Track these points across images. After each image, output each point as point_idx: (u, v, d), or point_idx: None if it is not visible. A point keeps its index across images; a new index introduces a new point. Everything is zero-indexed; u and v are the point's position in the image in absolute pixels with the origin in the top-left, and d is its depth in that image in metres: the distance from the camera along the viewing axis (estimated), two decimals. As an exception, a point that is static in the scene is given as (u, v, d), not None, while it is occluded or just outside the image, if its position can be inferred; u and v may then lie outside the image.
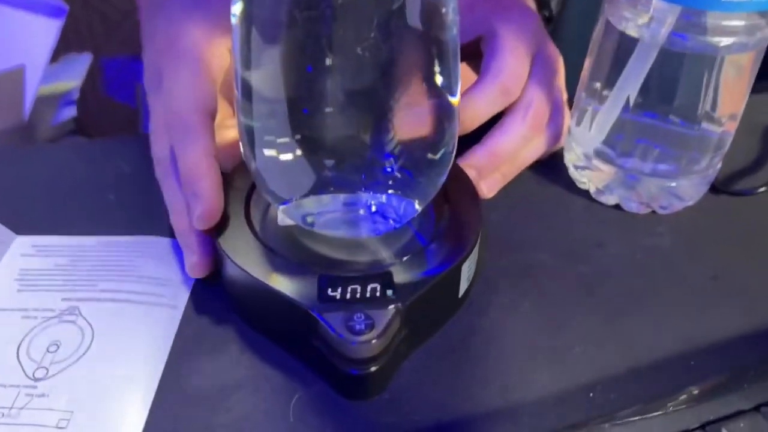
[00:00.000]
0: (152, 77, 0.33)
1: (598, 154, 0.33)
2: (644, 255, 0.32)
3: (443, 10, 0.23)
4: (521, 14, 0.35)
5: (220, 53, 0.31)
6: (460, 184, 0.30)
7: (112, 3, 1.16)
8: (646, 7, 0.29)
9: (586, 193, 0.35)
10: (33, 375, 0.25)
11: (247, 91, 0.24)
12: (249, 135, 0.25)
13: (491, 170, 0.33)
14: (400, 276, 0.26)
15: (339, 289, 0.25)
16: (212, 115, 0.30)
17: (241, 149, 0.26)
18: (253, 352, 0.27)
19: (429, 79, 0.24)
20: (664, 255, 0.32)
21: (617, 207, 0.34)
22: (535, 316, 0.29)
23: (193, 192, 0.27)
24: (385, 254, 0.27)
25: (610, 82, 0.31)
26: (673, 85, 0.30)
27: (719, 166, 0.34)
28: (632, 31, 0.30)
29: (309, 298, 0.25)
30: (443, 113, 0.25)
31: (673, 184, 0.33)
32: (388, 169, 0.25)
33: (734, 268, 0.31)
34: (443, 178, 0.27)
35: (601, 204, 0.35)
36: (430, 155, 0.25)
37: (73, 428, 0.23)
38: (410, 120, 0.24)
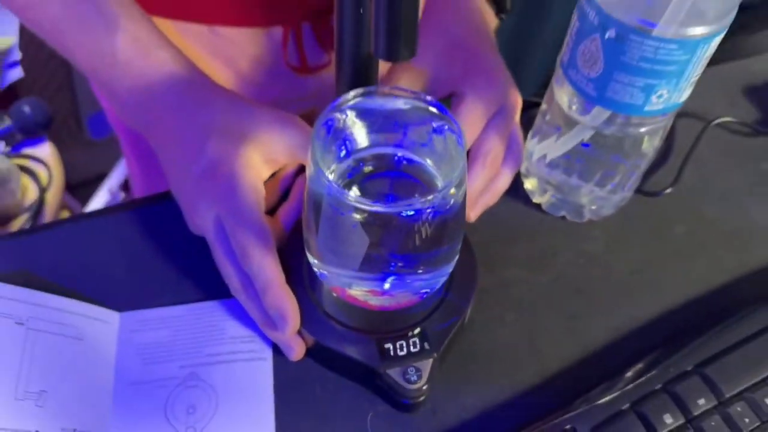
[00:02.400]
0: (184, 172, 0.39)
1: (548, 176, 0.44)
2: (585, 259, 0.44)
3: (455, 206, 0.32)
4: (487, 79, 0.43)
5: (254, 164, 0.39)
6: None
7: None
8: (586, 107, 0.38)
9: (538, 207, 0.46)
10: (189, 435, 0.36)
11: (318, 235, 0.33)
12: (315, 252, 0.34)
13: (473, 205, 0.43)
14: (431, 329, 0.37)
15: (392, 349, 0.36)
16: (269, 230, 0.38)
17: (309, 256, 0.36)
18: (334, 385, 0.38)
19: (451, 227, 0.33)
20: (599, 256, 0.44)
21: (563, 218, 0.46)
22: (516, 326, 0.41)
23: (279, 315, 0.36)
24: (418, 317, 0.38)
25: (559, 134, 0.41)
26: (608, 141, 0.41)
27: (639, 180, 0.46)
28: (575, 116, 0.39)
29: (373, 359, 0.36)
30: (459, 235, 0.35)
31: (604, 196, 0.45)
32: (421, 268, 0.35)
33: (655, 260, 0.44)
34: (456, 258, 0.37)
35: (552, 216, 0.46)
36: (450, 260, 0.35)
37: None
38: (439, 248, 0.34)
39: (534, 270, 0.43)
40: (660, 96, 0.35)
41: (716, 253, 0.45)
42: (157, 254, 0.43)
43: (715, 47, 0.34)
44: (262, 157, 0.39)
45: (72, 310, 0.39)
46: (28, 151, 0.85)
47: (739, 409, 0.37)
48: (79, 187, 1.16)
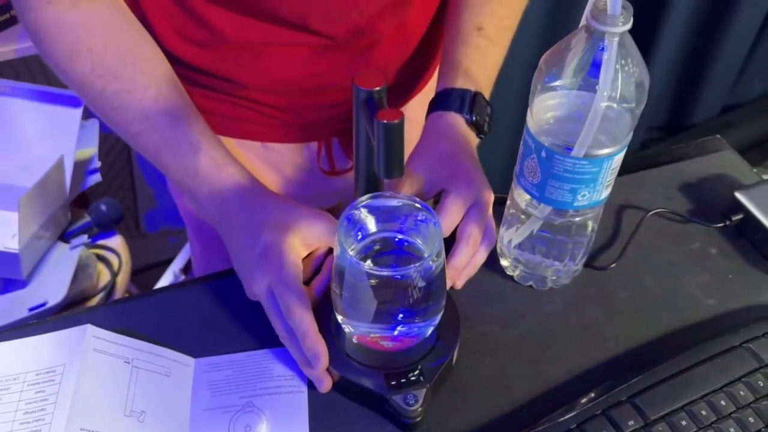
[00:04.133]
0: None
1: (517, 255, 0.58)
2: (547, 318, 0.57)
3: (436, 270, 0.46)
4: (465, 181, 0.58)
5: (295, 247, 0.53)
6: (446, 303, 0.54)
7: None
8: (534, 203, 0.53)
9: (512, 278, 0.60)
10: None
11: (342, 297, 0.47)
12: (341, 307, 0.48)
13: (458, 276, 0.57)
14: (425, 366, 0.50)
15: (396, 381, 0.49)
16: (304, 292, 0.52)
17: (336, 314, 0.49)
18: (354, 412, 0.51)
19: (435, 287, 0.47)
20: (557, 316, 0.57)
21: (530, 286, 0.59)
22: (492, 368, 0.54)
23: (314, 355, 0.49)
24: (415, 355, 0.51)
25: (518, 224, 0.56)
26: (558, 227, 0.55)
27: (588, 255, 0.59)
28: (528, 210, 0.54)
29: (383, 389, 0.49)
30: (442, 293, 0.49)
31: (561, 269, 0.58)
32: (423, 317, 0.49)
33: (602, 319, 0.57)
34: (442, 311, 0.50)
35: (521, 285, 0.60)
36: (437, 312, 0.49)
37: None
38: (428, 303, 0.48)
39: (506, 326, 0.57)
40: (583, 196, 0.50)
41: (651, 313, 0.58)
42: (222, 315, 0.57)
43: (620, 161, 0.49)
44: (302, 242, 0.54)
45: (162, 354, 0.53)
46: (103, 242, 1.02)
47: (660, 428, 0.49)
48: (135, 273, 1.32)
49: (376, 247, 0.49)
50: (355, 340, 0.51)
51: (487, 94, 0.65)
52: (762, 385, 0.52)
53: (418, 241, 0.48)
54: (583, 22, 0.44)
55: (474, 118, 0.62)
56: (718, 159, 0.71)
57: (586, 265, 0.60)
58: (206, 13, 0.61)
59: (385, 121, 0.39)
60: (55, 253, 0.94)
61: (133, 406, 0.49)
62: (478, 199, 0.58)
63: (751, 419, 0.50)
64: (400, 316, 0.48)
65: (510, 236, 0.57)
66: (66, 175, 0.96)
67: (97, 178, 1.03)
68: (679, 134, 1.93)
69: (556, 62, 0.47)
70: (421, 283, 0.45)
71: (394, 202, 0.47)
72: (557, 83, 0.47)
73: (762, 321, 0.55)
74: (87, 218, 0.99)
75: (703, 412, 0.50)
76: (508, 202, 0.57)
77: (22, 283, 0.90)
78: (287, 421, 0.50)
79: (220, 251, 0.60)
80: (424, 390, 0.49)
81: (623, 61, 0.44)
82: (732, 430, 0.49)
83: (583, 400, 0.50)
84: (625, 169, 0.70)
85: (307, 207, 0.56)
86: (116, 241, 1.03)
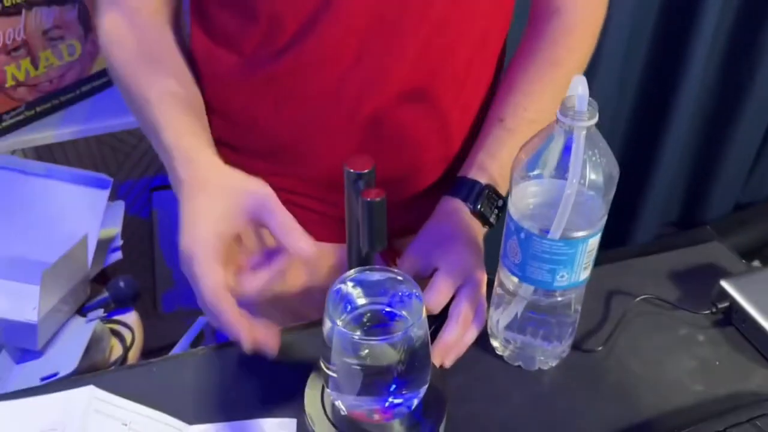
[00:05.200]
0: None
1: (506, 334, 0.60)
2: (534, 399, 0.59)
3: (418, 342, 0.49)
4: (458, 260, 0.61)
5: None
6: (433, 379, 0.56)
7: (120, 138, 1.40)
8: (518, 284, 0.55)
9: (501, 358, 0.62)
10: None
11: (333, 370, 0.50)
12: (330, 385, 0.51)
13: (447, 354, 0.59)
14: (410, 443, 0.52)
15: (381, 454, 0.51)
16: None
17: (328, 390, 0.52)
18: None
19: (421, 359, 0.49)
20: (545, 397, 0.59)
21: (519, 367, 0.61)
22: (478, 445, 0.55)
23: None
24: (400, 428, 0.53)
25: (505, 304, 0.58)
26: (544, 308, 0.57)
27: (574, 335, 0.61)
28: (514, 290, 0.56)
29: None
30: (426, 366, 0.51)
31: (549, 349, 0.60)
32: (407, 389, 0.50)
33: (589, 401, 0.58)
34: (427, 384, 0.52)
35: (510, 365, 0.61)
36: (421, 384, 0.51)
37: None
38: (412, 375, 0.50)
39: (494, 405, 0.58)
40: (562, 276, 0.53)
41: (638, 397, 0.59)
42: (217, 384, 0.60)
43: (595, 244, 0.52)
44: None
45: (158, 419, 0.55)
46: (118, 317, 1.05)
47: None
48: (149, 353, 1.35)
49: (365, 320, 0.51)
50: (343, 413, 0.53)
51: (502, 183, 0.67)
52: (746, 470, 0.52)
53: (405, 314, 0.50)
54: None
55: (478, 208, 0.66)
56: (707, 249, 0.74)
57: (575, 347, 0.62)
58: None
59: (368, 199, 0.43)
60: (71, 326, 0.97)
61: (126, 467, 0.51)
62: (469, 278, 0.61)
63: (734, 505, 0.50)
64: (387, 387, 0.50)
65: (498, 316, 0.60)
66: (89, 252, 1.01)
67: (117, 255, 1.08)
68: (691, 230, 1.95)
69: (533, 154, 0.51)
70: (407, 351, 0.48)
71: (378, 276, 0.50)
72: (534, 172, 0.51)
73: (747, 407, 0.56)
74: (105, 293, 1.03)
75: (686, 497, 0.50)
76: (496, 282, 0.60)
77: (36, 354, 0.94)
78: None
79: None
80: (408, 469, 0.50)
81: (590, 152, 0.48)
82: None
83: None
84: (615, 257, 0.72)
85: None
86: (131, 317, 1.06)
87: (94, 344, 0.97)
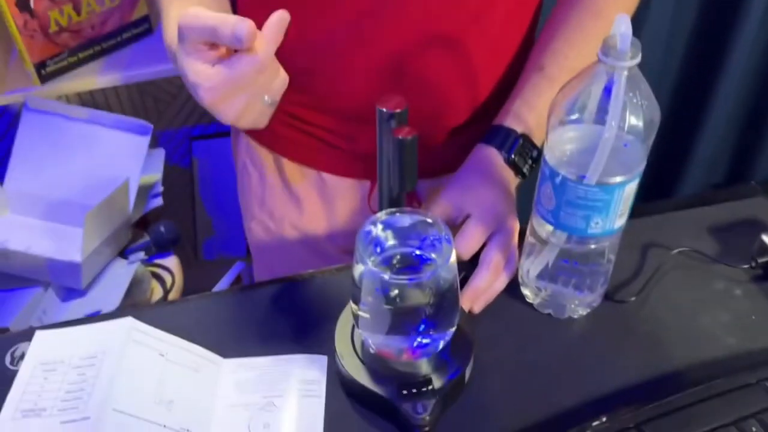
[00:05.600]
0: None
1: (537, 283, 0.60)
2: (563, 346, 0.59)
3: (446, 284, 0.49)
4: (490, 208, 0.61)
5: None
6: (461, 322, 0.57)
7: (160, 87, 1.42)
8: (551, 232, 0.55)
9: (531, 306, 0.62)
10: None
11: (363, 309, 0.50)
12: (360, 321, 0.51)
13: (476, 300, 0.60)
14: (436, 380, 0.52)
15: (407, 390, 0.52)
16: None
17: (358, 328, 0.52)
18: (365, 418, 0.54)
19: (450, 300, 0.50)
20: (573, 344, 0.59)
21: (549, 315, 0.61)
22: (505, 391, 0.55)
23: (234, 34, 0.48)
24: (427, 368, 0.54)
25: (537, 253, 0.58)
26: (575, 256, 0.57)
27: (606, 285, 0.60)
28: (545, 237, 0.56)
29: (394, 396, 0.51)
30: (454, 309, 0.51)
31: (580, 298, 0.59)
32: (436, 329, 0.51)
33: (618, 350, 0.58)
34: (454, 327, 0.53)
35: (540, 313, 0.61)
36: (449, 327, 0.52)
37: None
38: (439, 317, 0.50)
39: (522, 351, 0.58)
40: (597, 223, 0.52)
41: (669, 348, 0.58)
42: (254, 321, 0.61)
43: (632, 191, 0.51)
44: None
45: (194, 351, 0.57)
46: (159, 261, 1.09)
47: (665, 457, 0.49)
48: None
49: (394, 262, 0.52)
50: (372, 351, 0.54)
51: (538, 133, 0.66)
52: (775, 423, 0.51)
53: (434, 256, 0.51)
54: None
55: (512, 158, 0.65)
56: (750, 204, 0.72)
57: (607, 298, 0.62)
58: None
59: (400, 137, 0.43)
60: (113, 268, 1.01)
61: (162, 395, 0.53)
62: (502, 226, 0.61)
63: (761, 455, 0.49)
64: (416, 327, 0.51)
65: (529, 265, 0.60)
66: (130, 197, 1.04)
67: (158, 201, 1.10)
68: (736, 185, 1.90)
69: (571, 97, 0.50)
70: (435, 293, 0.48)
71: (408, 218, 0.50)
72: (572, 116, 0.50)
73: (781, 361, 0.55)
74: (146, 238, 1.06)
75: (711, 445, 0.50)
76: (528, 231, 0.59)
77: (81, 293, 0.97)
78: (304, 421, 0.53)
79: (284, 270, 0.64)
80: (433, 401, 0.51)
81: (632, 95, 0.47)
82: (740, 464, 0.49)
83: (594, 423, 0.51)
84: (654, 210, 0.71)
85: None
86: (172, 261, 1.10)
87: (135, 285, 1.00)
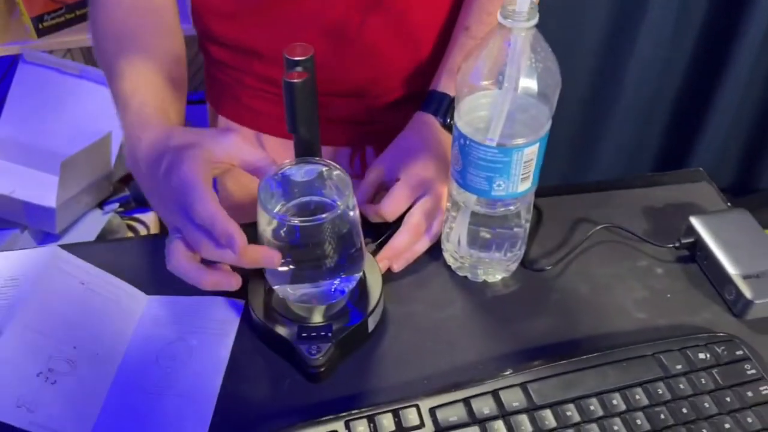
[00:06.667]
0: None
1: (454, 245, 0.61)
2: (473, 307, 0.60)
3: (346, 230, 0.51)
4: (421, 169, 0.62)
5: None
6: (372, 273, 0.58)
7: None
8: (461, 193, 0.56)
9: (449, 268, 0.63)
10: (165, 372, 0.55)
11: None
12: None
13: (396, 259, 0.61)
14: (336, 325, 0.54)
15: (306, 333, 0.54)
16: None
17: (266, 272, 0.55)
18: (268, 358, 0.56)
19: (350, 245, 0.52)
20: (483, 306, 0.60)
21: (466, 278, 0.62)
22: (409, 343, 0.57)
23: (228, 237, 0.48)
24: (329, 314, 0.56)
25: (453, 217, 0.59)
26: (489, 220, 0.58)
27: (523, 249, 0.61)
28: (459, 201, 0.57)
29: (293, 337, 0.54)
30: (356, 258, 0.53)
31: (495, 262, 0.61)
32: (337, 276, 0.53)
33: (527, 314, 0.59)
34: (360, 274, 0.55)
35: (458, 276, 0.63)
36: (356, 272, 0.54)
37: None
38: (346, 262, 0.52)
39: (432, 308, 0.60)
40: (499, 185, 0.53)
41: (577, 317, 0.59)
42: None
43: (534, 154, 0.52)
44: (204, 156, 0.51)
45: (116, 285, 0.60)
46: (137, 215, 1.12)
47: (543, 414, 0.50)
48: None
49: (296, 210, 0.54)
50: (280, 295, 0.56)
51: None
52: (661, 393, 0.52)
53: (337, 204, 0.52)
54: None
55: (448, 121, 0.67)
56: (692, 189, 0.72)
57: (524, 265, 0.63)
58: None
59: (288, 80, 0.44)
60: (90, 217, 1.05)
61: (77, 320, 0.56)
62: (429, 189, 0.62)
63: (638, 421, 0.50)
64: (317, 274, 0.53)
65: (448, 229, 0.61)
66: (112, 151, 1.07)
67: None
68: (744, 196, 1.87)
69: (475, 62, 0.51)
70: (335, 239, 0.50)
71: (312, 167, 0.52)
72: (476, 80, 0.51)
73: (683, 337, 0.56)
74: (126, 192, 1.10)
75: (592, 407, 0.51)
76: (447, 194, 0.61)
77: (55, 237, 1.02)
78: (210, 356, 0.56)
79: None
80: (329, 345, 0.53)
81: (533, 56, 0.48)
82: (616, 427, 0.50)
83: (482, 379, 0.53)
84: (595, 188, 0.72)
85: (215, 129, 0.57)
86: (149, 217, 1.13)
87: (109, 234, 1.04)
